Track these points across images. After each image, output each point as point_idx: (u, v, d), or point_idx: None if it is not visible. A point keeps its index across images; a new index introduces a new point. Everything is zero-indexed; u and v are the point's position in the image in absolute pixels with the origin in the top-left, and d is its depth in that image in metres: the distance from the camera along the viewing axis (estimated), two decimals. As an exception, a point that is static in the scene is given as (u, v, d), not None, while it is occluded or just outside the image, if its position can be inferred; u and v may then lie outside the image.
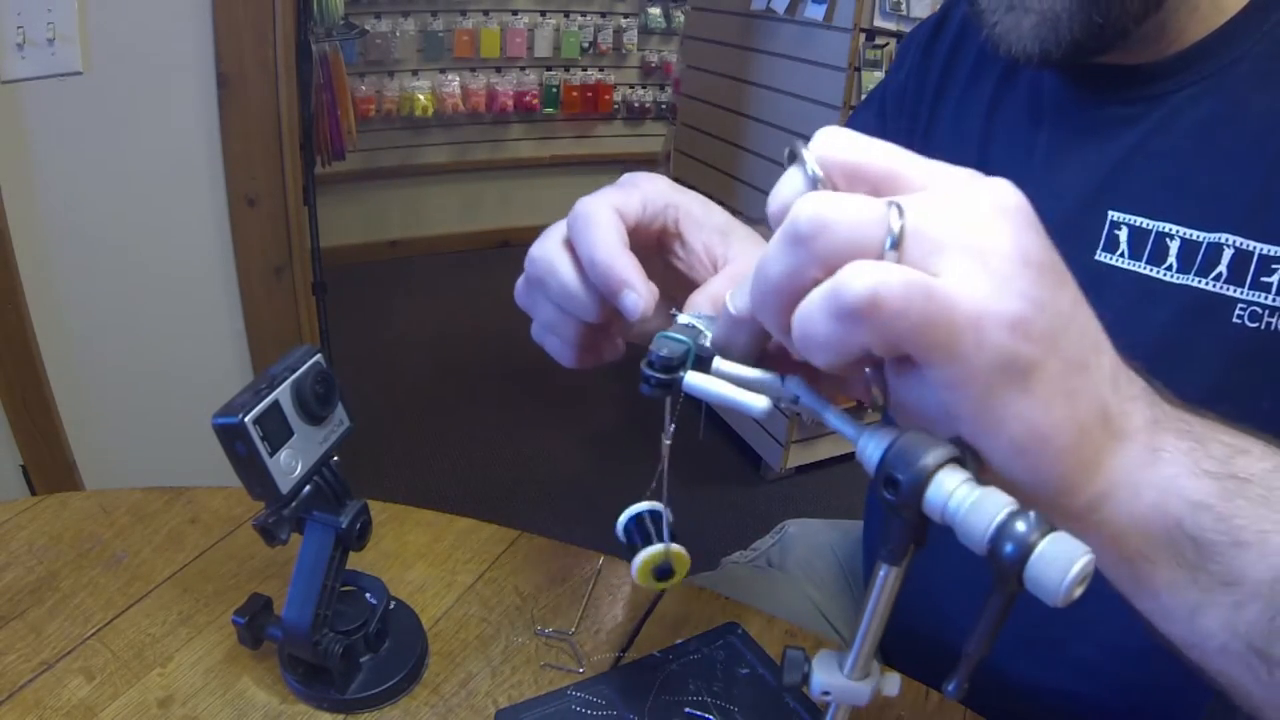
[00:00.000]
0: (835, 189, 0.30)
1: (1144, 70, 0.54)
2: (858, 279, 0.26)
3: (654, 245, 0.46)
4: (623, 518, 0.51)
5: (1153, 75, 0.54)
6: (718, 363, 0.36)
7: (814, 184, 0.30)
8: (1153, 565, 0.31)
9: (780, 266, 0.29)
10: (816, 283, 0.28)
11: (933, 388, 0.29)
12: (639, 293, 0.39)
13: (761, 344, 0.35)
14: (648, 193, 0.44)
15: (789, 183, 0.31)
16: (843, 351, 0.28)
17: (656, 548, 0.49)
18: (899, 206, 0.28)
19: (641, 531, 0.51)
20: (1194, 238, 0.51)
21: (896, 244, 0.27)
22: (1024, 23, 0.51)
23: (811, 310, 0.28)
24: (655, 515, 0.51)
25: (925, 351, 0.27)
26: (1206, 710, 0.61)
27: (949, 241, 0.27)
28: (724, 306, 0.34)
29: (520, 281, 0.44)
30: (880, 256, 0.27)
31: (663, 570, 0.50)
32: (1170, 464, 0.31)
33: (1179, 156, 0.53)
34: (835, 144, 0.30)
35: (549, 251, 0.42)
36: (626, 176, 0.45)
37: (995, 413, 0.28)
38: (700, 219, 0.46)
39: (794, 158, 0.31)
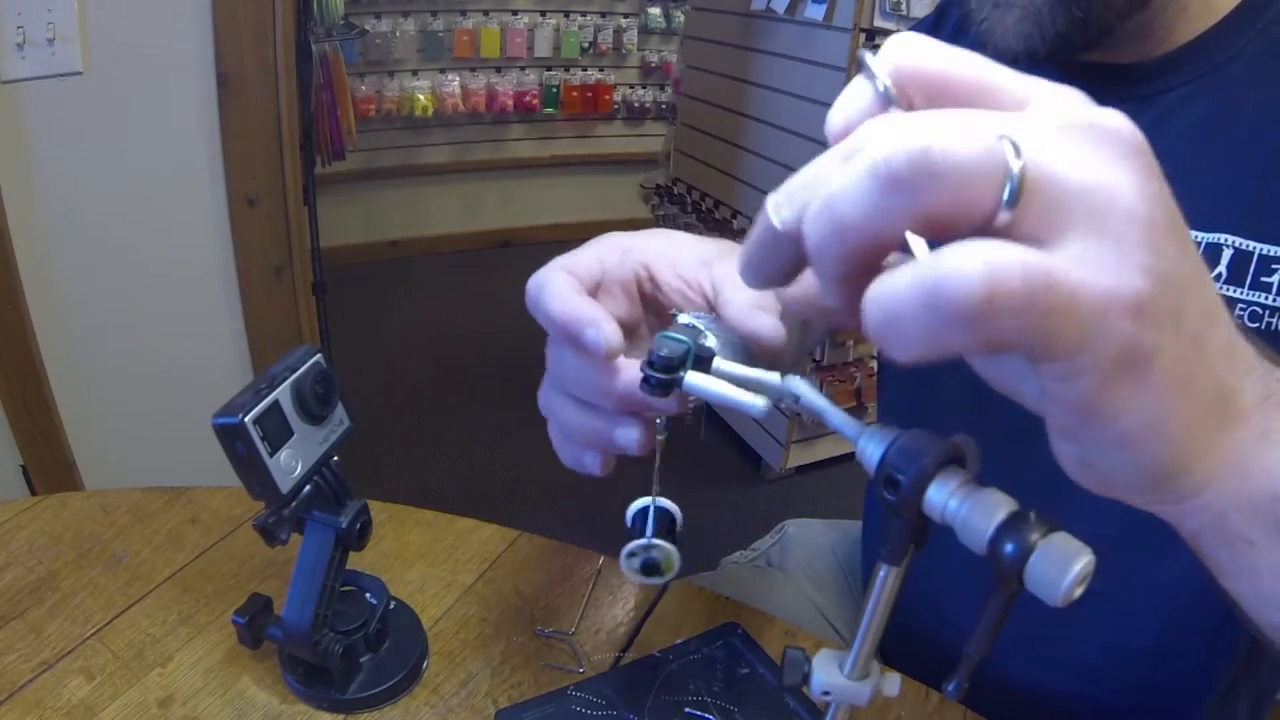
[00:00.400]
0: (912, 109, 0.25)
1: (1136, 70, 0.54)
2: (970, 269, 0.21)
3: (634, 297, 0.45)
4: (632, 508, 0.51)
5: (1144, 75, 0.54)
6: (718, 363, 0.36)
7: (887, 102, 0.25)
8: (1254, 548, 0.29)
9: (861, 210, 0.23)
10: (899, 240, 0.23)
11: (1032, 375, 0.26)
12: (599, 328, 0.37)
13: (797, 272, 0.28)
14: (601, 247, 0.43)
15: (855, 97, 0.26)
16: (934, 351, 0.23)
17: (639, 542, 0.48)
18: (1014, 143, 0.22)
19: (640, 523, 0.51)
20: (1192, 238, 0.51)
21: (1015, 198, 0.22)
22: (1008, 19, 0.50)
23: (902, 300, 0.22)
24: (660, 510, 0.51)
25: (1037, 347, 0.23)
26: (1205, 709, 0.61)
27: (1069, 197, 0.23)
28: (762, 213, 0.27)
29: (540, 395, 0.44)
30: (993, 217, 0.22)
31: (648, 564, 0.49)
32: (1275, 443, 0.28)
33: (1175, 157, 0.52)
34: (913, 51, 0.25)
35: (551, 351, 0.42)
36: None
37: (1106, 405, 0.25)
38: (670, 256, 0.44)
39: (862, 67, 0.26)
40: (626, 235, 0.45)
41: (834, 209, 0.23)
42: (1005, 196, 0.22)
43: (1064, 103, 0.25)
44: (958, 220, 0.23)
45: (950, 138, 0.22)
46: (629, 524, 0.50)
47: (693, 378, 0.36)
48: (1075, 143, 0.23)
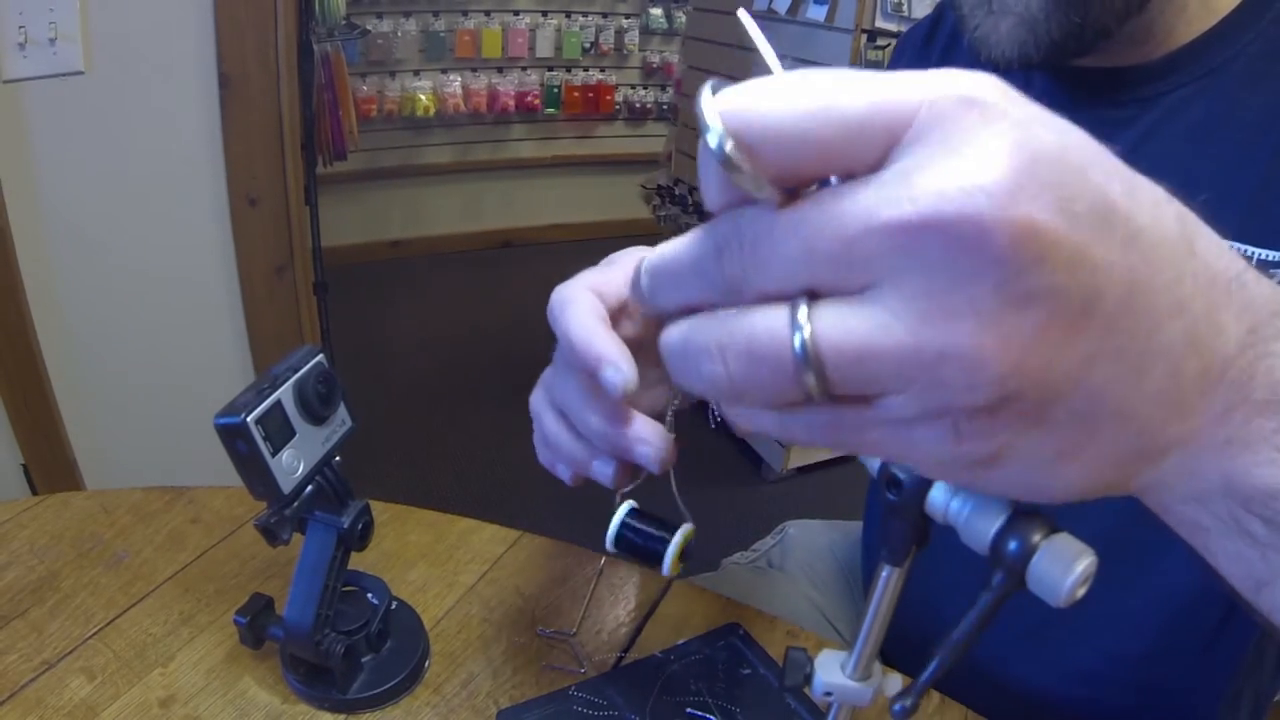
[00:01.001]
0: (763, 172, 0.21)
1: (1134, 72, 0.54)
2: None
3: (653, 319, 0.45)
4: (612, 530, 0.50)
5: (1143, 77, 0.53)
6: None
7: (729, 168, 0.21)
8: (1208, 534, 0.26)
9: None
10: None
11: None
12: (618, 367, 0.36)
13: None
14: (630, 267, 0.43)
15: (708, 173, 0.23)
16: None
17: (685, 531, 0.48)
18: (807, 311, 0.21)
19: (639, 534, 0.51)
20: None
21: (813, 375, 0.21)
22: (1002, 26, 0.50)
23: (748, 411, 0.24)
24: (637, 513, 0.50)
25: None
26: (1219, 713, 0.61)
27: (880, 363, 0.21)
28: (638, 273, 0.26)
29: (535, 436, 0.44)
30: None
31: (686, 552, 0.49)
32: (1243, 452, 0.24)
33: (1174, 160, 0.52)
34: (750, 114, 0.20)
35: (549, 379, 0.42)
36: (610, 256, 0.43)
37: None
38: None
39: (700, 119, 0.21)
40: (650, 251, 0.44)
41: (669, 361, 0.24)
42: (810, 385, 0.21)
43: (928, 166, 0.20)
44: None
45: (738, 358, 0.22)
46: (613, 546, 0.50)
47: None
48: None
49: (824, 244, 0.20)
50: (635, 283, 0.26)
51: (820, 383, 0.21)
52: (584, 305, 0.39)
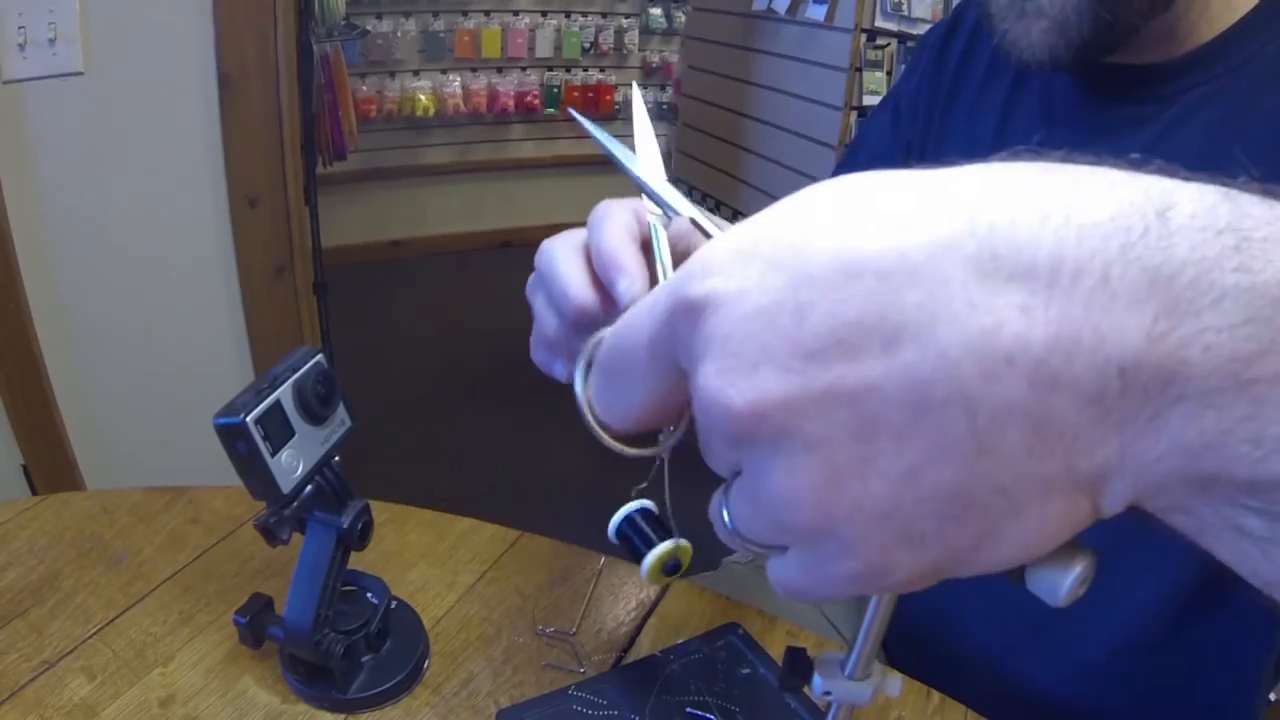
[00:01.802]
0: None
1: (1155, 70, 0.54)
2: None
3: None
4: (614, 520, 0.51)
5: (1164, 75, 0.54)
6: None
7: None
8: (1208, 537, 0.22)
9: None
10: None
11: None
12: (633, 282, 0.38)
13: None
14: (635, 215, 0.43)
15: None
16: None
17: (666, 545, 0.48)
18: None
19: (637, 532, 0.51)
20: None
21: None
22: (1034, 29, 0.51)
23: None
24: (646, 513, 0.51)
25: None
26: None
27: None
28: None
29: (530, 279, 0.44)
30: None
31: (671, 566, 0.50)
32: (1206, 452, 0.19)
33: (1195, 155, 0.52)
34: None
35: (554, 245, 0.42)
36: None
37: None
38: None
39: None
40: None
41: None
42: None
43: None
44: None
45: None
46: (615, 537, 0.50)
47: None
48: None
49: (704, 441, 0.24)
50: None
51: (743, 541, 0.24)
52: (621, 221, 0.40)
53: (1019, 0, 0.52)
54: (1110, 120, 0.56)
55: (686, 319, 0.22)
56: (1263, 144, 0.50)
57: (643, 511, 0.52)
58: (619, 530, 0.51)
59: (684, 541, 0.49)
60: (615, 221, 0.40)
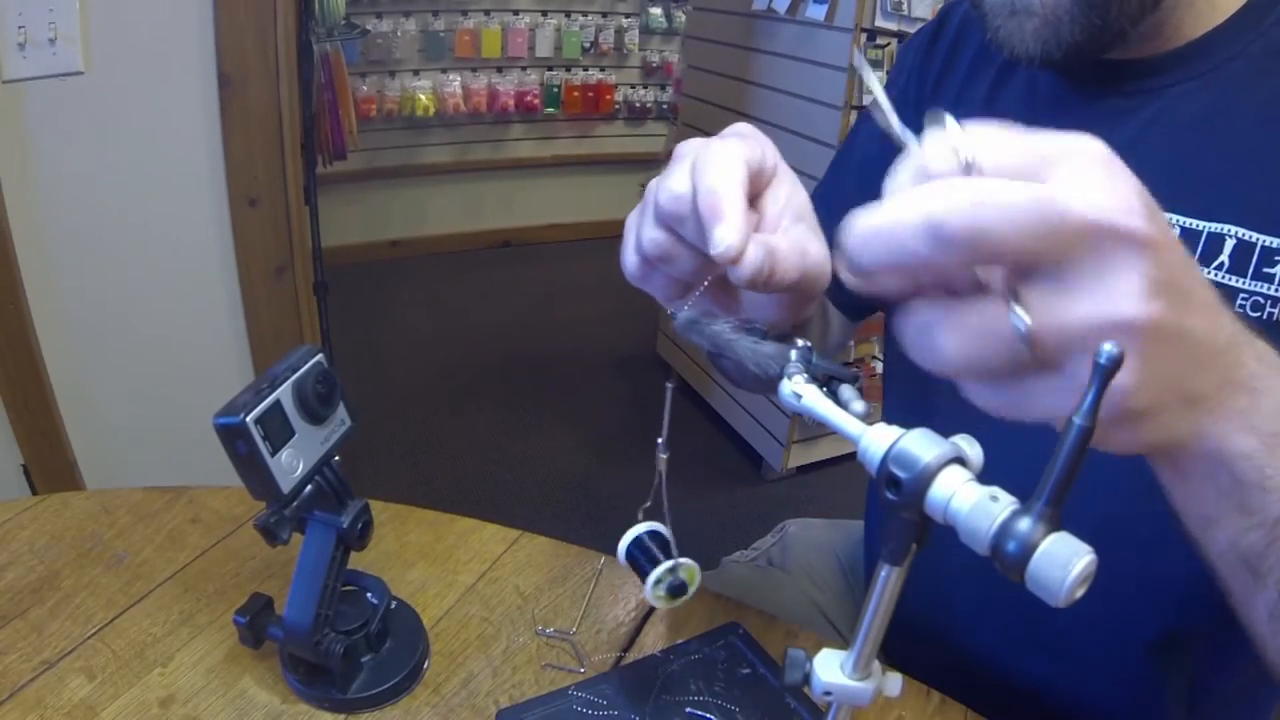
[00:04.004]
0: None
1: (1141, 65, 0.55)
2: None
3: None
4: (624, 542, 0.51)
5: (1149, 70, 0.55)
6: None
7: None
8: (1186, 481, 0.36)
9: (907, 251, 0.29)
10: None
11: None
12: (731, 229, 0.37)
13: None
14: (767, 149, 0.43)
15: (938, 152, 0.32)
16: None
17: (661, 568, 0.49)
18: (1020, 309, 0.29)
19: (646, 554, 0.51)
20: (1195, 227, 0.51)
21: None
22: (1026, 26, 0.51)
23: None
24: (654, 535, 0.52)
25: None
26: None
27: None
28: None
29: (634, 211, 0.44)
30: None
31: (675, 587, 0.50)
32: (1227, 421, 0.33)
33: (1179, 147, 0.53)
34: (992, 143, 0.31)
35: (672, 176, 0.41)
36: (738, 127, 0.44)
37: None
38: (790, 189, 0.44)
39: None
40: (787, 170, 0.44)
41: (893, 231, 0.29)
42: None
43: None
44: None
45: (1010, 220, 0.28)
46: (624, 560, 0.51)
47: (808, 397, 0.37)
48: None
49: (1033, 243, 0.28)
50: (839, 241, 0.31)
51: (1033, 352, 0.29)
52: (735, 168, 0.39)
53: None
54: (1094, 113, 0.56)
55: (1123, 245, 0.28)
56: (1252, 134, 0.51)
57: (651, 534, 0.52)
58: (628, 552, 0.52)
59: (686, 561, 0.49)
60: (730, 165, 0.39)
